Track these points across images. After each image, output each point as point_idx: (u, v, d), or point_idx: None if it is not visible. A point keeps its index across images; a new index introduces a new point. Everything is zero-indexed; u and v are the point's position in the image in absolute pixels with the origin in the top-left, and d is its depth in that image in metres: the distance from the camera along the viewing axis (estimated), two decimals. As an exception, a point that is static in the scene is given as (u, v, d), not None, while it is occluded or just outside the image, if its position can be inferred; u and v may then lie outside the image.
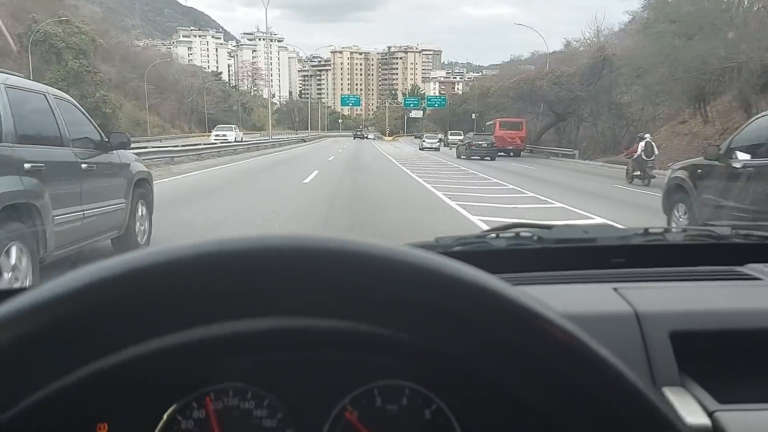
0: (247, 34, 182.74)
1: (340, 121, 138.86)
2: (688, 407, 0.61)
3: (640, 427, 0.39)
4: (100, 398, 0.52)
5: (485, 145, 29.83)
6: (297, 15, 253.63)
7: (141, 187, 5.92)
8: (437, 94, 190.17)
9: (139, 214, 5.86)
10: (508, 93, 41.30)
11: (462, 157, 31.00)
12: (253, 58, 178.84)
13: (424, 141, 49.14)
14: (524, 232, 1.06)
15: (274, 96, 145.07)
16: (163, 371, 0.51)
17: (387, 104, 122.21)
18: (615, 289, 0.81)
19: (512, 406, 0.49)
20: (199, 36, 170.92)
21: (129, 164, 5.74)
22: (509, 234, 1.06)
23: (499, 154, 33.32)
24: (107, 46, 51.33)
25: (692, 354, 0.69)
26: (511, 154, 34.52)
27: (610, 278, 0.87)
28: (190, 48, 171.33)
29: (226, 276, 0.37)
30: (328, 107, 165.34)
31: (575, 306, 0.75)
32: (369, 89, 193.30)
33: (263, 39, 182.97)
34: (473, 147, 29.97)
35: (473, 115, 55.79)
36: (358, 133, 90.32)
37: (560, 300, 0.76)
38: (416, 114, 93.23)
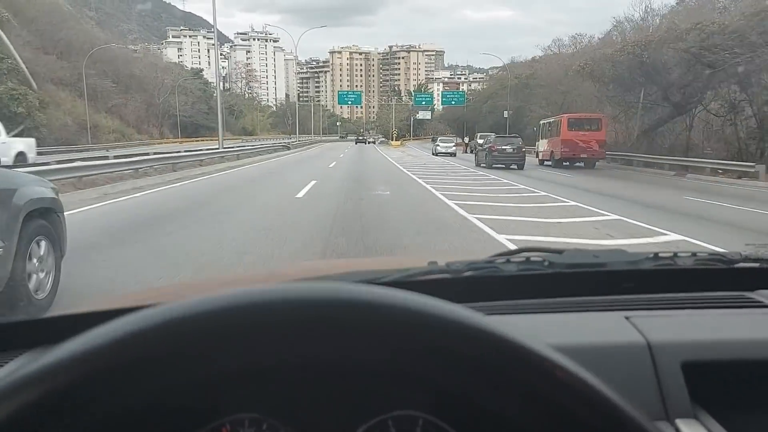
0: (240, 33, 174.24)
1: (338, 123, 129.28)
2: None
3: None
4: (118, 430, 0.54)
5: (510, 150, 24.21)
6: (295, 19, 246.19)
7: (41, 220, 4.29)
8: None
9: (36, 258, 4.17)
10: (593, 72, 28.00)
11: (482, 165, 25.47)
12: (248, 59, 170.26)
13: (438, 145, 43.13)
14: (534, 257, 1.04)
15: (265, 99, 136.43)
16: (178, 403, 0.53)
17: (393, 102, 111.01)
18: (627, 318, 0.82)
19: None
20: (190, 36, 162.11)
21: (15, 189, 4.08)
22: (519, 258, 1.04)
23: (563, 164, 24.87)
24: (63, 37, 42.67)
25: (705, 384, 0.69)
26: (582, 164, 25.44)
27: (621, 305, 0.88)
28: (180, 49, 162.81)
29: (257, 329, 0.39)
30: (326, 110, 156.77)
31: (588, 336, 0.76)
32: (369, 91, 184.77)
33: (258, 39, 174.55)
34: (495, 153, 24.31)
35: (505, 112, 45.86)
36: (360, 138, 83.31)
37: (573, 330, 0.77)
38: (424, 115, 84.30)
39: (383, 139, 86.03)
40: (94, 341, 0.39)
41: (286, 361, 0.42)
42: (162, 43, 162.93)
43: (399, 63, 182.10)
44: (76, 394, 0.38)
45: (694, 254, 1.08)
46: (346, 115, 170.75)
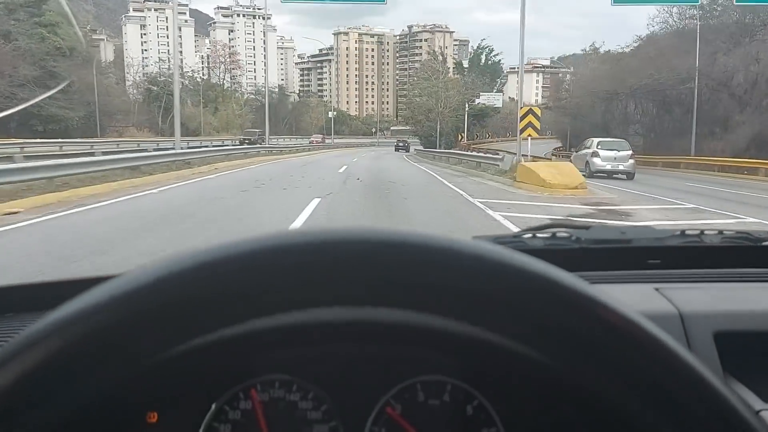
0: (221, 8, 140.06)
1: (332, 114, 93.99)
2: None
3: (709, 416, 0.38)
4: (150, 388, 0.53)
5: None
6: (306, 20, 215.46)
7: None
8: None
9: None
10: None
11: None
12: (230, 40, 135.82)
13: (596, 158, 21.90)
14: (561, 233, 1.06)
15: (251, 90, 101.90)
16: (211, 363, 0.53)
17: (440, 66, 63.73)
18: (657, 289, 0.83)
19: (558, 401, 0.48)
20: (156, 10, 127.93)
21: None
22: (546, 234, 1.06)
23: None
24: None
25: (736, 354, 0.70)
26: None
27: (650, 279, 0.89)
28: (143, 26, 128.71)
29: (282, 270, 0.37)
30: (329, 104, 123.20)
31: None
32: (383, 82, 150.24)
33: (243, 15, 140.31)
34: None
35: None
36: (401, 143, 56.59)
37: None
38: (492, 100, 49.34)
39: (419, 147, 53.17)
40: (134, 282, 0.38)
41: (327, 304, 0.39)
42: (122, 18, 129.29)
43: (420, 47, 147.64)
44: (112, 337, 0.37)
45: (720, 232, 1.09)
46: (353, 112, 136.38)
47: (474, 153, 30.30)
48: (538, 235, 1.05)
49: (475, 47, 76.35)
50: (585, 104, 38.94)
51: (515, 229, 3.15)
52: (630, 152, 21.90)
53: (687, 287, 0.86)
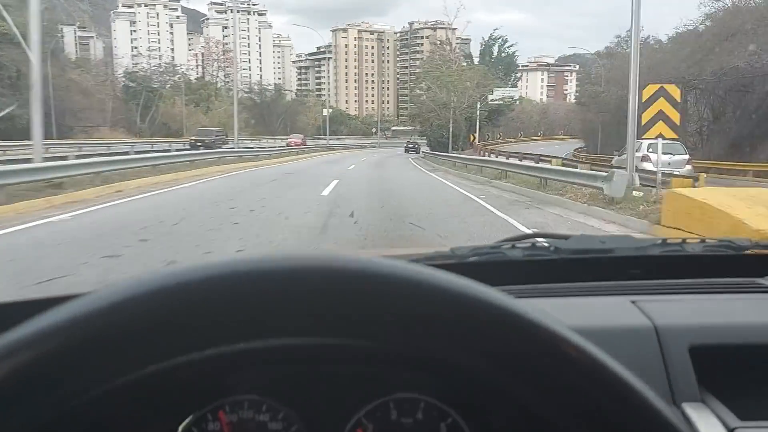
0: (215, 4, 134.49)
1: (327, 112, 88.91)
2: (708, 424, 0.61)
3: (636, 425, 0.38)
4: (114, 413, 0.52)
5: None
6: (305, 21, 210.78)
7: None
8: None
9: None
10: None
11: None
12: (224, 37, 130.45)
13: (647, 162, 16.42)
14: (540, 243, 1.06)
15: (246, 88, 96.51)
16: (178, 385, 0.51)
17: (452, 52, 57.04)
18: (633, 302, 0.81)
19: (527, 419, 0.50)
20: (146, 6, 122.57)
21: None
22: (525, 244, 1.05)
23: None
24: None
25: (712, 369, 0.69)
26: None
27: (628, 290, 0.88)
28: (133, 23, 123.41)
29: (239, 299, 0.37)
30: (326, 102, 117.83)
31: (593, 319, 0.74)
32: (384, 81, 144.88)
33: (238, 12, 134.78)
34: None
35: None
36: (411, 144, 50.48)
37: (578, 313, 0.76)
38: (506, 95, 43.57)
39: (426, 149, 46.55)
40: (90, 305, 0.36)
41: (268, 333, 0.39)
42: (110, 16, 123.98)
43: (422, 44, 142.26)
44: (68, 362, 0.35)
45: (702, 240, 1.08)
46: (353, 112, 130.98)
47: (526, 162, 21.67)
48: (518, 245, 1.03)
49: (486, 38, 68.69)
50: (621, 100, 32.43)
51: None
52: (687, 156, 18.66)
53: (664, 299, 0.84)
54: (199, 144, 33.21)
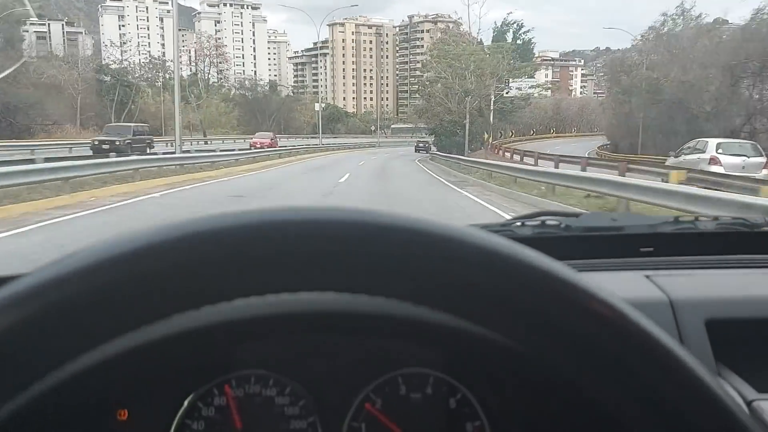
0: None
1: (320, 107, 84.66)
2: None
3: (697, 413, 0.37)
4: (119, 383, 0.51)
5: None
6: (303, 18, 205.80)
7: None
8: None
9: None
10: None
11: None
12: (217, 32, 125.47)
13: (716, 165, 14.40)
14: (550, 220, 1.04)
15: (228, 83, 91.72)
16: (183, 356, 0.51)
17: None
18: (647, 277, 0.81)
19: (542, 394, 0.47)
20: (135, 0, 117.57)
21: None
22: (535, 222, 1.04)
23: None
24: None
25: (728, 342, 0.68)
26: None
27: (641, 266, 0.87)
28: (122, 17, 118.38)
29: (262, 246, 0.34)
30: (319, 97, 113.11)
31: None
32: (383, 77, 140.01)
33: (230, 5, 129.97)
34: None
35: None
36: (422, 144, 45.16)
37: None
38: (522, 87, 37.95)
39: (431, 148, 40.89)
40: (87, 259, 0.34)
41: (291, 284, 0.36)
42: (98, 10, 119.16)
43: (422, 38, 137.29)
44: (67, 316, 0.33)
45: (715, 218, 1.07)
46: (351, 109, 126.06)
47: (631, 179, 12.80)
48: (528, 223, 1.03)
49: (498, 24, 59.92)
50: (682, 89, 27.48)
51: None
52: (764, 159, 15.86)
53: (679, 274, 0.83)
54: (105, 146, 23.05)
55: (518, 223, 1.03)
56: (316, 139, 57.17)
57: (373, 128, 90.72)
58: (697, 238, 1.01)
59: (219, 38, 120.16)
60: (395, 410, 0.63)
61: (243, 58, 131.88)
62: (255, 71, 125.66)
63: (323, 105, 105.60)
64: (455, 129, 38.64)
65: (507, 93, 36.49)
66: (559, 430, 0.54)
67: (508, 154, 30.01)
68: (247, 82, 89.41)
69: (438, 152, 35.62)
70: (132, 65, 60.24)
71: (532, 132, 66.36)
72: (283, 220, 0.35)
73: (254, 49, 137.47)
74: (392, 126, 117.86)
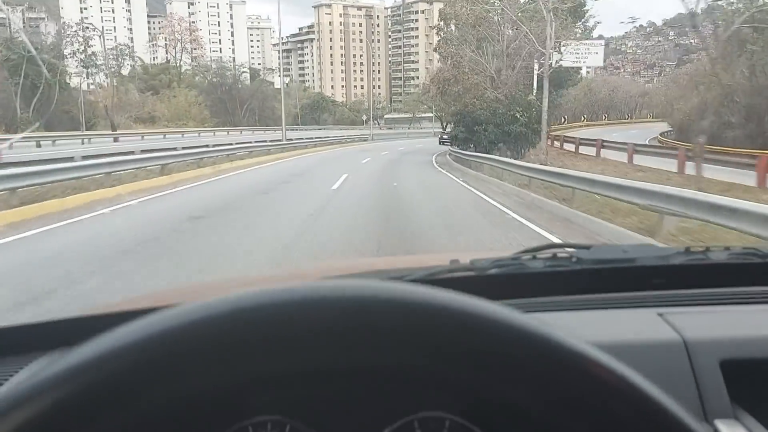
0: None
1: (285, 85, 74.39)
2: None
3: None
4: None
5: None
6: (293, 9, 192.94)
7: None
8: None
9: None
10: None
11: None
12: (190, 15, 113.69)
13: None
14: (561, 253, 1.03)
15: (203, 71, 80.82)
16: (202, 407, 0.52)
17: None
18: (660, 315, 0.80)
19: None
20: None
21: None
22: (546, 255, 1.03)
23: None
24: None
25: (745, 384, 0.67)
26: None
27: (653, 302, 0.87)
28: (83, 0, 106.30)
29: (270, 329, 0.36)
30: (311, 88, 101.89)
31: (620, 334, 0.73)
32: (374, 62, 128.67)
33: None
34: None
35: None
36: (445, 136, 33.22)
37: (604, 327, 0.75)
38: (594, 51, 25.32)
39: (455, 149, 24.90)
40: (116, 341, 0.37)
41: (314, 365, 0.39)
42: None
43: (417, 21, 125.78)
44: (98, 397, 0.36)
45: (727, 248, 1.05)
46: (340, 98, 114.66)
47: None
48: (538, 256, 1.01)
49: None
50: None
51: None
52: None
53: (692, 311, 0.83)
54: None
55: (529, 256, 1.00)
56: (300, 131, 45.41)
57: (364, 118, 79.57)
58: (708, 270, 0.99)
59: (193, 22, 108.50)
60: None
61: (220, 43, 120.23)
62: (234, 58, 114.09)
63: (310, 93, 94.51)
64: (490, 119, 22.54)
65: (559, 62, 23.39)
66: None
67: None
68: (214, 65, 77.76)
69: (462, 151, 22.60)
70: (58, 40, 48.56)
71: (583, 118, 55.23)
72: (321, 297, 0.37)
73: (232, 33, 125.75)
74: (386, 116, 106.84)
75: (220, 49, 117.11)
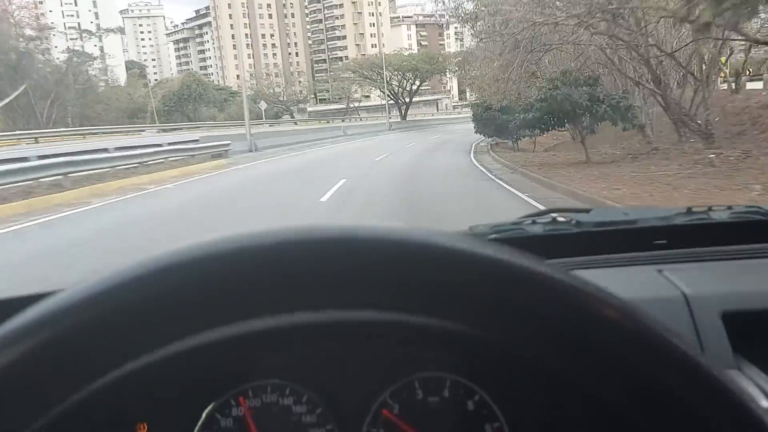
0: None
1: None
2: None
3: (714, 414, 0.36)
4: (138, 398, 0.51)
5: None
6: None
7: None
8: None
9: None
10: None
11: None
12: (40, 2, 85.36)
13: None
14: (561, 217, 1.04)
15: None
16: (200, 369, 0.51)
17: None
18: (659, 271, 0.80)
19: (561, 395, 0.48)
20: None
21: None
22: (545, 219, 1.04)
23: None
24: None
25: (747, 334, 0.67)
26: None
27: (654, 260, 0.86)
28: None
29: (269, 269, 0.35)
30: (216, 86, 76.39)
31: (620, 291, 0.77)
32: (289, 48, 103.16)
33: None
34: None
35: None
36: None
37: (603, 285, 0.80)
38: None
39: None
40: (106, 283, 0.35)
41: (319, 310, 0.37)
42: None
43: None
44: (83, 343, 0.34)
45: (729, 207, 1.05)
46: (249, 91, 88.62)
47: None
48: (538, 220, 1.01)
49: None
50: None
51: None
52: None
53: (693, 267, 0.83)
54: None
55: (528, 221, 1.00)
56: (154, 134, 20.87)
57: (264, 108, 54.33)
58: (711, 229, 0.98)
59: (41, 2, 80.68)
60: (413, 415, 0.63)
61: (79, 27, 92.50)
62: (123, 47, 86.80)
63: (218, 90, 69.02)
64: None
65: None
66: (578, 430, 0.53)
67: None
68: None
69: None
70: None
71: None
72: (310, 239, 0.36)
73: (96, 14, 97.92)
74: (309, 109, 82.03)
75: (80, 35, 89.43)
